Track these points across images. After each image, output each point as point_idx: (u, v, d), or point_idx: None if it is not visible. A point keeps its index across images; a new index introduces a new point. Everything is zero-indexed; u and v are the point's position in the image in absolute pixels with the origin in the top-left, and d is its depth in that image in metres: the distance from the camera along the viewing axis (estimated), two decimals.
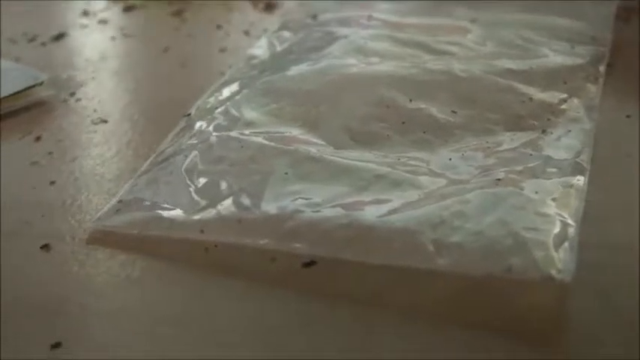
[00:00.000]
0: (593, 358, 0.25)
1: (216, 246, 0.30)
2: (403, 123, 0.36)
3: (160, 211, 0.31)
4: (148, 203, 0.32)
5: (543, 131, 0.35)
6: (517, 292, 0.27)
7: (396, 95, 0.37)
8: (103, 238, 0.31)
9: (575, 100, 0.38)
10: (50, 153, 0.37)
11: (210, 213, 0.31)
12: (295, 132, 0.35)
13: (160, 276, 0.29)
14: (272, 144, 0.34)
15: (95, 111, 0.41)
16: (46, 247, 0.31)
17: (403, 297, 0.28)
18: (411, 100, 0.37)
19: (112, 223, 0.31)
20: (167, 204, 0.32)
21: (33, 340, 0.27)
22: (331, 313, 0.27)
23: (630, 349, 0.25)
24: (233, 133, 0.35)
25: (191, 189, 0.32)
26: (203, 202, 0.31)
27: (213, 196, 0.32)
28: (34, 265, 0.30)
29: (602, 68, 0.40)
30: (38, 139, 0.38)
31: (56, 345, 0.26)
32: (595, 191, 0.32)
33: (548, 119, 0.36)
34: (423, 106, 0.36)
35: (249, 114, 0.36)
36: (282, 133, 0.35)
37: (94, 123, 0.39)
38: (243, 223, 0.30)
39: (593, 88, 0.39)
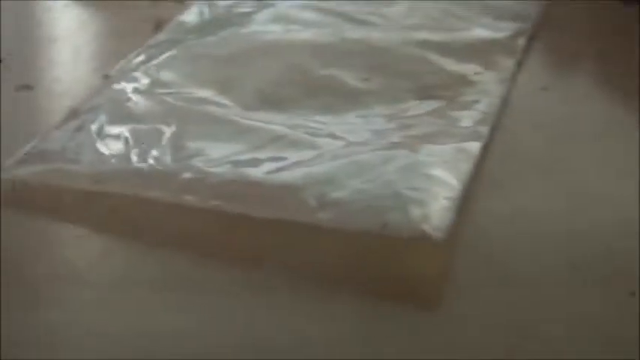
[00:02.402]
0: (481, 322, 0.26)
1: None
2: (312, 88, 0.36)
3: (62, 164, 0.32)
4: (53, 156, 0.32)
5: (451, 100, 0.36)
6: (401, 251, 0.28)
7: (310, 62, 0.38)
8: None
9: (489, 73, 0.38)
10: None
11: (110, 166, 0.31)
12: (207, 93, 0.36)
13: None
14: (180, 103, 0.35)
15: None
16: None
17: (291, 255, 0.28)
18: (324, 67, 0.37)
19: (17, 172, 0.32)
20: (72, 157, 0.32)
21: None
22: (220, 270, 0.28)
23: (513, 309, 0.26)
24: (145, 93, 0.35)
25: (97, 144, 0.33)
26: (105, 156, 0.32)
27: (115, 150, 0.32)
28: None
29: (521, 43, 0.41)
30: None
31: None
32: (498, 159, 0.33)
33: (459, 90, 0.37)
34: (335, 72, 0.37)
35: (166, 75, 0.37)
36: (194, 94, 0.36)
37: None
38: (140, 176, 0.31)
39: (508, 62, 0.39)
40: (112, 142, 0.33)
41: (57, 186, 0.31)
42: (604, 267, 0.28)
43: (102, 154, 0.32)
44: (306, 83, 0.36)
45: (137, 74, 0.37)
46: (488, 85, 0.37)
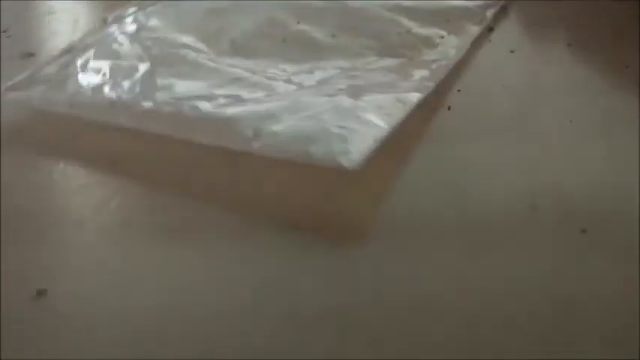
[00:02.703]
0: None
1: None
2: (284, 40, 0.40)
3: (46, 90, 0.36)
4: (41, 84, 0.37)
5: (410, 59, 0.39)
6: (325, 184, 0.31)
7: (287, 17, 0.41)
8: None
9: (453, 38, 0.41)
10: None
11: (86, 94, 0.35)
12: (187, 39, 0.40)
13: None
14: (158, 46, 0.38)
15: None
16: None
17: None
18: (298, 23, 0.41)
19: (7, 96, 0.36)
20: (56, 85, 0.36)
21: None
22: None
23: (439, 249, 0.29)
24: (131, 36, 0.39)
25: (79, 75, 0.37)
26: (84, 86, 0.36)
27: (93, 82, 0.36)
28: None
29: (490, 12, 0.43)
30: None
31: None
32: (459, 116, 0.36)
33: (421, 50, 0.40)
34: (307, 28, 0.40)
35: (154, 22, 0.41)
36: (174, 39, 0.39)
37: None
38: (108, 104, 0.35)
39: (474, 30, 0.42)
40: (92, 75, 0.37)
41: (41, 111, 0.36)
42: (559, 210, 0.31)
43: (81, 85, 0.36)
44: (278, 36, 0.40)
45: (128, 20, 0.41)
46: (449, 48, 0.40)
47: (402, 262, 0.29)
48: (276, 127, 0.32)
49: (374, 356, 0.25)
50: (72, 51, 0.39)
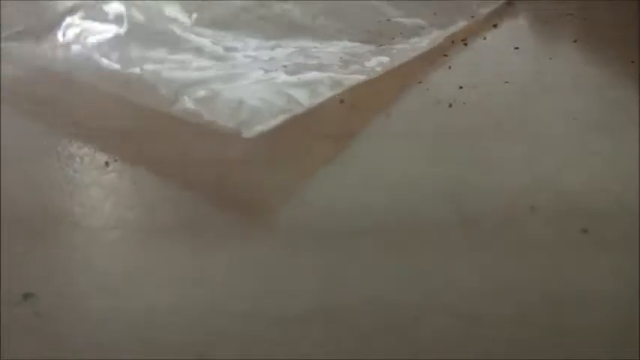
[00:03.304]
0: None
1: None
2: (262, 18, 0.41)
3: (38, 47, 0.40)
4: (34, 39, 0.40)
5: (379, 46, 0.40)
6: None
7: None
8: None
9: (433, 30, 0.41)
10: None
11: (80, 57, 0.38)
12: (172, 10, 0.42)
13: None
14: (146, 17, 0.41)
15: None
16: None
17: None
18: (284, 2, 0.42)
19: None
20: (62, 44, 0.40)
21: None
22: None
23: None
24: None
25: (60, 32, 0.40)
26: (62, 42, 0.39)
27: (71, 39, 0.39)
28: None
29: (484, 10, 0.43)
30: None
31: None
32: (459, 113, 0.36)
33: (393, 38, 0.40)
34: (290, 8, 0.42)
35: None
36: (162, 10, 0.42)
37: None
38: (100, 72, 0.37)
39: (461, 23, 0.42)
40: (72, 33, 0.40)
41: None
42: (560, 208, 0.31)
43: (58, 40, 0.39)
44: (260, 13, 0.42)
45: None
46: (424, 39, 0.40)
47: (396, 260, 0.29)
48: (200, 94, 0.34)
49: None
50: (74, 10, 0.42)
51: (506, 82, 0.38)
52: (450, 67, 0.40)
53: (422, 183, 0.33)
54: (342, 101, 0.36)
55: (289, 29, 0.41)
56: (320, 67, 0.37)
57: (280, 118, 0.33)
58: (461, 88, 0.38)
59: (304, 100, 0.34)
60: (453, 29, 0.41)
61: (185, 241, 0.30)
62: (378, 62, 0.38)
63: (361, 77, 0.36)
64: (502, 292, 0.28)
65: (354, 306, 0.28)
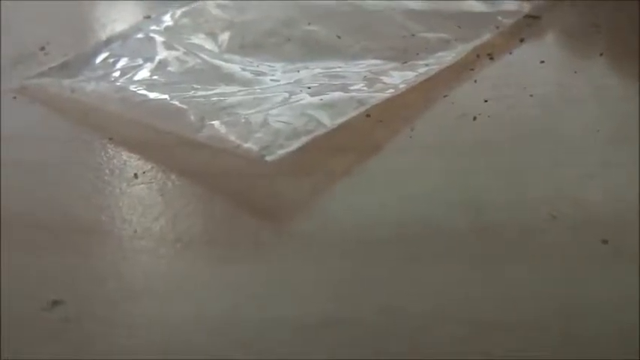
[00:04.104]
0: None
1: None
2: (288, 40, 0.42)
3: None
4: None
5: (404, 62, 0.40)
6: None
7: (299, 18, 0.43)
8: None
9: (457, 44, 0.41)
10: None
11: (90, 83, 0.40)
12: (201, 39, 0.43)
13: None
14: (174, 43, 0.42)
15: None
16: None
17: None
18: (309, 23, 0.43)
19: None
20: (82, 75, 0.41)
21: None
22: None
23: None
24: (153, 33, 0.43)
25: (96, 62, 0.41)
26: (93, 75, 0.41)
27: (103, 72, 0.41)
28: None
29: (508, 21, 0.43)
30: None
31: None
32: (483, 126, 0.37)
33: (418, 54, 0.41)
34: (315, 29, 0.43)
35: (183, 21, 0.45)
36: (190, 39, 0.43)
37: None
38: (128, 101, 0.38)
39: (486, 36, 0.42)
40: (107, 65, 0.41)
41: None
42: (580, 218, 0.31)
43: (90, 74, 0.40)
44: (285, 35, 0.42)
45: (162, 20, 0.45)
46: (449, 53, 0.41)
47: (415, 270, 0.30)
48: (225, 119, 0.35)
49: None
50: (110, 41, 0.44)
51: (530, 95, 0.39)
52: (475, 81, 0.40)
53: (445, 195, 0.33)
54: (368, 115, 0.37)
55: (315, 50, 0.41)
56: (344, 88, 0.37)
57: (303, 140, 0.34)
58: (486, 101, 0.38)
59: (327, 120, 0.35)
60: (477, 42, 0.42)
61: (209, 251, 0.31)
62: (402, 79, 0.38)
63: (385, 95, 0.37)
64: (521, 302, 0.28)
65: (370, 314, 0.28)
